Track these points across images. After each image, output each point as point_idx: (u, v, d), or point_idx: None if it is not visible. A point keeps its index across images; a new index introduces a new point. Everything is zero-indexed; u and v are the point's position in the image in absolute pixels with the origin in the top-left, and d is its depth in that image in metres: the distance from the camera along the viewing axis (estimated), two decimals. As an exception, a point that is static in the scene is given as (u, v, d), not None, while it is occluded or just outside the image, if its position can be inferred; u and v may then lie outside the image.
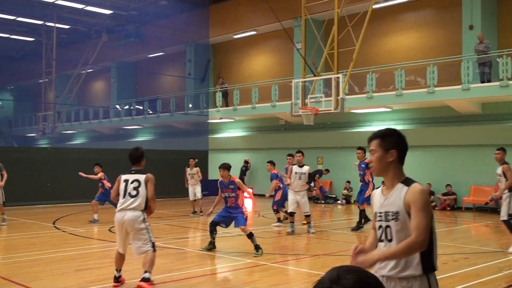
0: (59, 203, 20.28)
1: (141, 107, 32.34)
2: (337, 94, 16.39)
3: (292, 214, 12.92)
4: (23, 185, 20.04)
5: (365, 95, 20.51)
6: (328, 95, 17.28)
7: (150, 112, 30.91)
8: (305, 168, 12.98)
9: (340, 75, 16.46)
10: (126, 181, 7.35)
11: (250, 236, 10.02)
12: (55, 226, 14.14)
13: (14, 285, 7.41)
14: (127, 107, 33.82)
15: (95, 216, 14.86)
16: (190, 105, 28.96)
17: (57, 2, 27.98)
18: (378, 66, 21.39)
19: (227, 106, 26.39)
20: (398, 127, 21.24)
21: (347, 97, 19.13)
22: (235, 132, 27.67)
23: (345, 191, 22.08)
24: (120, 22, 31.64)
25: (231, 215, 10.19)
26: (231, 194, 10.15)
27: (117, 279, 7.51)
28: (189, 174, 17.43)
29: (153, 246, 7.28)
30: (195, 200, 17.27)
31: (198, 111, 27.80)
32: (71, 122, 36.39)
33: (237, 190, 10.16)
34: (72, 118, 36.48)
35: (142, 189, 7.26)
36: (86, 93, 39.38)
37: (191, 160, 17.53)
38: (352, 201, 22.03)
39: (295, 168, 12.90)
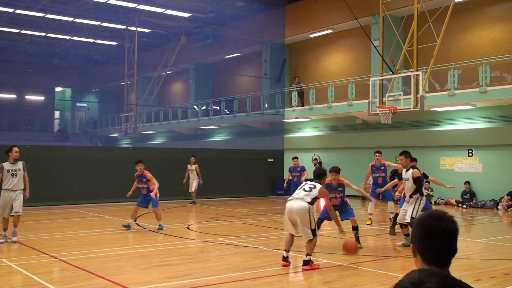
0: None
1: (218, 108, 32.91)
2: (417, 92, 15.92)
3: (402, 226, 11.03)
4: (106, 183, 20.93)
5: (446, 92, 19.76)
6: (407, 93, 16.84)
7: (227, 112, 31.37)
8: (410, 172, 10.79)
9: (420, 72, 15.98)
10: (307, 182, 9.01)
11: (356, 228, 10.60)
12: (136, 223, 14.63)
13: (99, 279, 7.73)
14: (204, 107, 34.50)
15: (130, 221, 13.26)
16: (266, 105, 29.12)
17: (138, 7, 28.99)
18: (461, 62, 20.54)
19: (303, 105, 26.30)
20: (482, 125, 20.32)
21: (427, 94, 18.53)
22: (311, 132, 27.53)
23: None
24: (198, 24, 32.34)
25: (340, 210, 10.74)
26: (339, 195, 10.67)
27: (285, 259, 8.72)
28: (189, 170, 20.25)
29: (313, 233, 8.51)
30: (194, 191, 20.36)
31: (274, 110, 27.90)
32: (151, 122, 37.55)
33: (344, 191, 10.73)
34: (152, 119, 37.64)
35: (314, 192, 8.69)
36: (165, 94, 40.55)
37: (192, 158, 20.31)
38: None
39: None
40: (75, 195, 20.00)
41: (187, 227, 13.51)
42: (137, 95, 35.97)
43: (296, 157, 18.35)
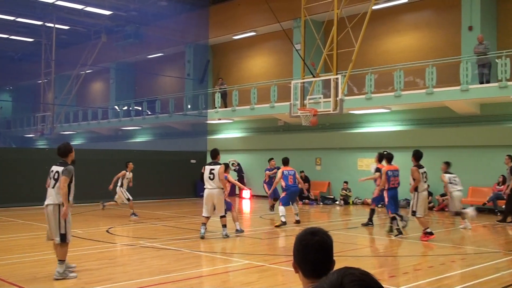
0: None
1: (140, 108, 32.34)
2: (336, 95, 16.38)
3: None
4: (21, 186, 20.03)
5: (364, 96, 20.52)
6: (327, 96, 17.28)
7: (149, 113, 30.90)
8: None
9: (339, 76, 16.45)
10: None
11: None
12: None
13: (11, 286, 7.40)
14: (126, 108, 33.80)
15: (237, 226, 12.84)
16: (189, 106, 28.95)
17: (56, 2, 27.96)
18: (377, 67, 21.39)
19: (226, 107, 26.38)
20: (396, 128, 21.26)
21: (346, 98, 19.13)
22: (233, 133, 27.66)
23: (344, 192, 22.07)
24: (119, 22, 31.63)
25: None
26: None
27: None
28: (126, 178, 16.69)
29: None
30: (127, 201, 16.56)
31: (197, 112, 27.79)
32: (69, 123, 36.34)
33: None
34: (71, 119, 36.44)
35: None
36: (85, 94, 39.36)
37: (131, 164, 16.93)
38: (350, 201, 22.03)
39: None
40: (-14, 198, 18.98)
41: (107, 231, 13.18)
42: (55, 94, 34.63)
43: (272, 158, 19.41)
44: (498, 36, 20.05)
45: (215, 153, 12.06)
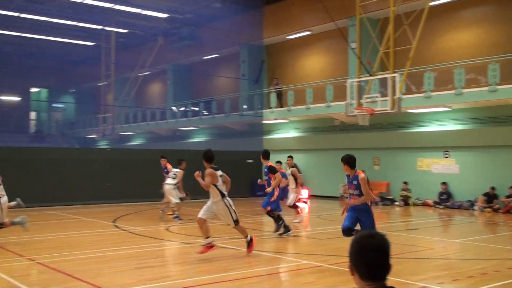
0: (118, 202, 20.85)
1: (196, 109, 32.80)
2: (394, 93, 16.11)
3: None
4: (84, 184, 20.75)
5: (422, 94, 20.03)
6: (384, 94, 17.03)
7: (206, 113, 31.30)
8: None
9: (396, 75, 16.17)
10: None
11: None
12: (115, 225, 14.54)
13: (77, 281, 7.67)
14: (183, 108, 34.37)
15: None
16: (245, 106, 29.14)
17: (115, 7, 28.77)
18: (436, 64, 20.83)
19: (281, 107, 26.39)
20: (458, 127, 20.64)
21: (404, 96, 18.76)
22: (289, 133, 27.64)
23: (403, 192, 21.63)
24: (175, 25, 32.21)
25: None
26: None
27: None
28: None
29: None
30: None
31: (252, 112, 27.93)
32: (129, 123, 37.29)
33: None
34: (130, 120, 37.38)
35: None
36: (144, 95, 40.32)
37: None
38: (411, 202, 21.53)
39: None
40: (52, 197, 19.77)
41: (167, 229, 13.46)
42: (115, 96, 35.69)
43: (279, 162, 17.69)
44: None
45: None
